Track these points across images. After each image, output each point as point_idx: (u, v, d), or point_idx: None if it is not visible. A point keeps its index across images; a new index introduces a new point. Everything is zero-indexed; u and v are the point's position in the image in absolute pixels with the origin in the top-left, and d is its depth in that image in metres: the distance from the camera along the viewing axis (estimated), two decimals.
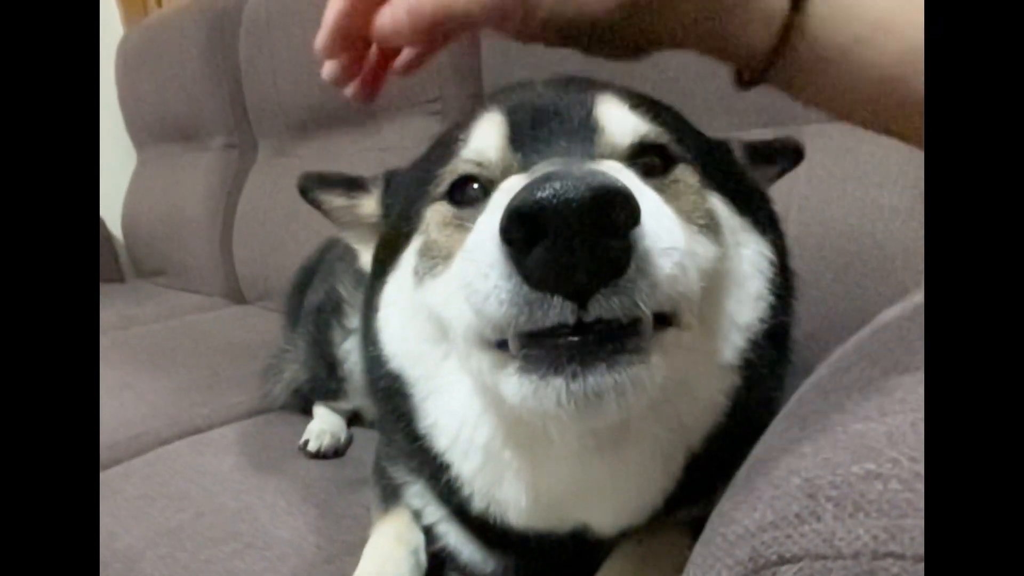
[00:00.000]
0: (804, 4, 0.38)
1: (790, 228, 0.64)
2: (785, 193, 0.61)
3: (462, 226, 0.46)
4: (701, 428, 0.48)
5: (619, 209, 0.35)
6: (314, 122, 1.69)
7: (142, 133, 2.32)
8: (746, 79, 0.42)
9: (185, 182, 2.05)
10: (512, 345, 0.40)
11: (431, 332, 0.49)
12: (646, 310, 0.37)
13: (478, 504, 0.52)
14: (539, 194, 0.34)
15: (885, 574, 0.23)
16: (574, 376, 0.37)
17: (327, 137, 1.68)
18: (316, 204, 0.63)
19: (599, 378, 0.37)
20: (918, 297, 0.46)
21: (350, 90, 0.48)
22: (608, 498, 0.48)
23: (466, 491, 0.52)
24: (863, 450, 0.27)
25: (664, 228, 0.38)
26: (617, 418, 0.39)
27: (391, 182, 0.61)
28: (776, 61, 0.40)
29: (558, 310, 0.36)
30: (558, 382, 0.37)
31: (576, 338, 0.37)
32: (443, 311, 0.46)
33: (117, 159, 2.37)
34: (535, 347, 0.38)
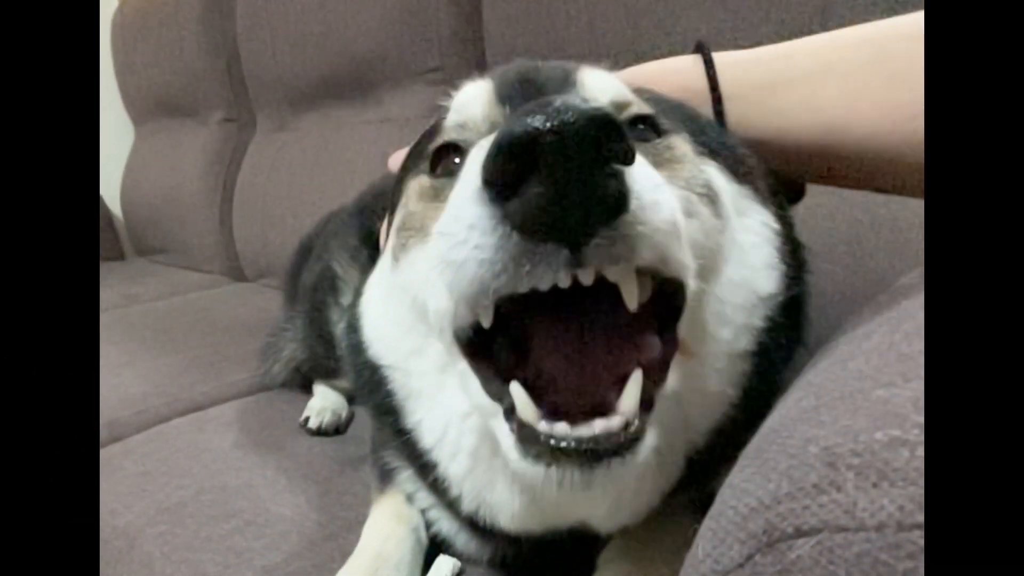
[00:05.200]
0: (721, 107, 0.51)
1: None
2: None
3: (439, 196, 0.44)
4: (707, 423, 0.47)
5: (616, 139, 0.32)
6: (314, 94, 1.66)
7: (139, 108, 2.29)
8: None
9: (184, 158, 2.03)
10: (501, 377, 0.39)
11: (406, 318, 0.48)
12: (647, 255, 0.35)
13: (468, 505, 0.50)
14: (529, 120, 0.31)
15: (912, 547, 0.22)
16: (574, 474, 0.36)
17: (327, 109, 1.65)
18: None
19: (598, 473, 0.37)
20: None
21: None
22: (604, 502, 0.46)
23: (454, 492, 0.50)
24: (887, 416, 0.25)
25: (654, 180, 0.36)
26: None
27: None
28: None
29: (550, 261, 0.33)
30: (559, 473, 0.37)
31: (572, 445, 0.36)
32: (419, 291, 0.44)
33: (115, 135, 2.34)
34: (527, 432, 0.37)
